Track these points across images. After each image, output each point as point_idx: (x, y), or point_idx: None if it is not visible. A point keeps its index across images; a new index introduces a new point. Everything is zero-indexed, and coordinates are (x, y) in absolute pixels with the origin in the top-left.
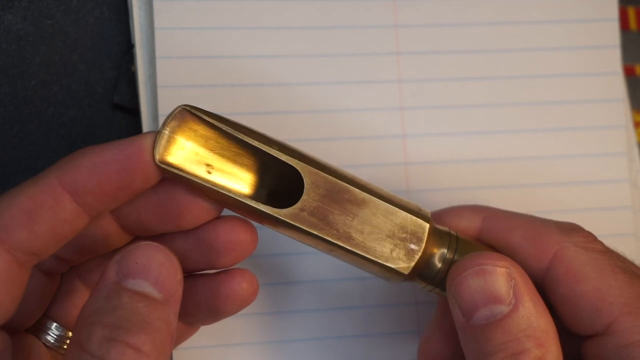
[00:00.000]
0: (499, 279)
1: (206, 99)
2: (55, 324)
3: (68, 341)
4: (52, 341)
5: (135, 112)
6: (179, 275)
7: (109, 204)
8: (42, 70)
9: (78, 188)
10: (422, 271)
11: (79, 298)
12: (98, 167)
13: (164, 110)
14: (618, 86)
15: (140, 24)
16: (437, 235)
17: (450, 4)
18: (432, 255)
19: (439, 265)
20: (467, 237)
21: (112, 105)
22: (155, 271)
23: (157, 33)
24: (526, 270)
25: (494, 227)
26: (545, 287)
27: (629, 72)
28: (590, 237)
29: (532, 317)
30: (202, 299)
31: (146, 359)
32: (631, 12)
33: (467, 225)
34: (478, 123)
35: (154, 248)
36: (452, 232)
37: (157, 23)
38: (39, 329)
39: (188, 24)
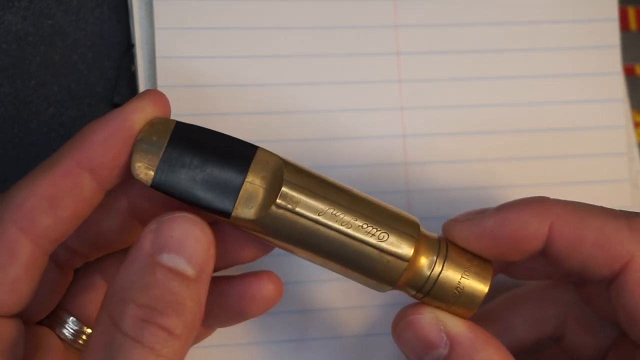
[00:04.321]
0: (425, 326)
1: (206, 99)
2: (72, 318)
3: (84, 336)
4: (69, 335)
5: None
6: (212, 250)
7: (125, 174)
8: (42, 70)
9: (95, 164)
10: (410, 280)
11: (99, 294)
12: (110, 139)
13: None
14: (618, 86)
15: (140, 24)
16: (426, 244)
17: (450, 4)
18: (420, 265)
19: (427, 273)
20: (456, 244)
21: (112, 105)
22: (191, 247)
23: (157, 33)
24: (595, 275)
25: (563, 234)
26: (610, 291)
27: (629, 72)
28: None
29: (472, 353)
30: (228, 300)
31: (177, 341)
32: (631, 12)
33: (534, 234)
34: (478, 123)
35: (191, 221)
36: (441, 239)
37: (157, 23)
38: (55, 321)
39: (188, 24)
